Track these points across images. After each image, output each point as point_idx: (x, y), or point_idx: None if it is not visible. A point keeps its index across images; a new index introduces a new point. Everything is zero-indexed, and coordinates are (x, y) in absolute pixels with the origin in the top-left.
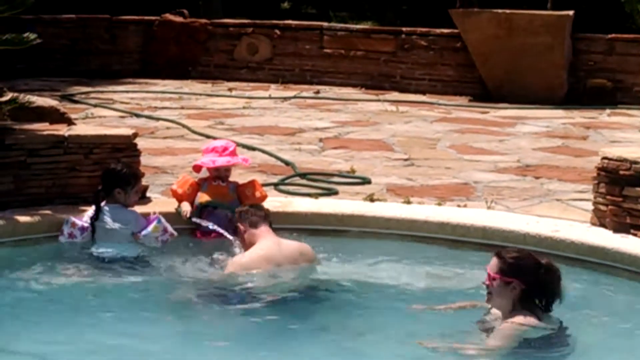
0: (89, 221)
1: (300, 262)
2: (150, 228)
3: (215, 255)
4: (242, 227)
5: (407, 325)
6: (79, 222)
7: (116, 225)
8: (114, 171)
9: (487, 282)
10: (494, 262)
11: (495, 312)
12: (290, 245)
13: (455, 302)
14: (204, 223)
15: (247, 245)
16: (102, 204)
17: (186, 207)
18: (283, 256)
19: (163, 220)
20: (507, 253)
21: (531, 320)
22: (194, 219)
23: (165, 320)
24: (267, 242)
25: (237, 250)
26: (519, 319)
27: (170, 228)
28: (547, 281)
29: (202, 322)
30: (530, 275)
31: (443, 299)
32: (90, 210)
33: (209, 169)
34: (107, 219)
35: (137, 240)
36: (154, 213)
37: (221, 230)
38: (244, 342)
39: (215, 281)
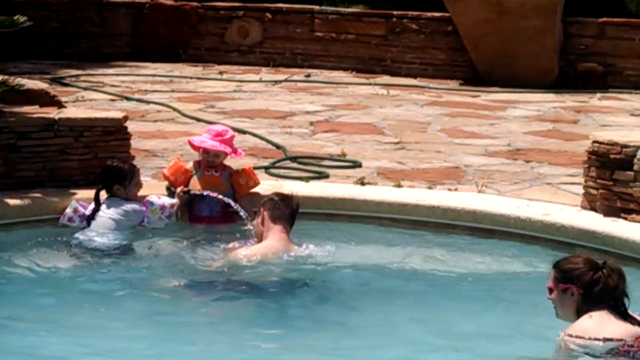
0: (89, 212)
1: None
2: (149, 214)
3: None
4: (263, 213)
5: (404, 308)
6: (81, 210)
7: (116, 217)
8: (110, 168)
9: (549, 297)
10: (551, 274)
11: None
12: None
13: None
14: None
15: (257, 234)
16: (102, 199)
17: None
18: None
19: (156, 200)
20: (561, 261)
21: (596, 321)
22: (192, 192)
23: (149, 307)
24: (276, 245)
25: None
26: (581, 322)
27: (166, 201)
28: (605, 281)
29: (185, 308)
30: (584, 278)
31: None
32: (92, 205)
33: (197, 148)
34: (107, 211)
35: (145, 228)
36: (144, 198)
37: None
38: (227, 329)
39: (205, 268)
